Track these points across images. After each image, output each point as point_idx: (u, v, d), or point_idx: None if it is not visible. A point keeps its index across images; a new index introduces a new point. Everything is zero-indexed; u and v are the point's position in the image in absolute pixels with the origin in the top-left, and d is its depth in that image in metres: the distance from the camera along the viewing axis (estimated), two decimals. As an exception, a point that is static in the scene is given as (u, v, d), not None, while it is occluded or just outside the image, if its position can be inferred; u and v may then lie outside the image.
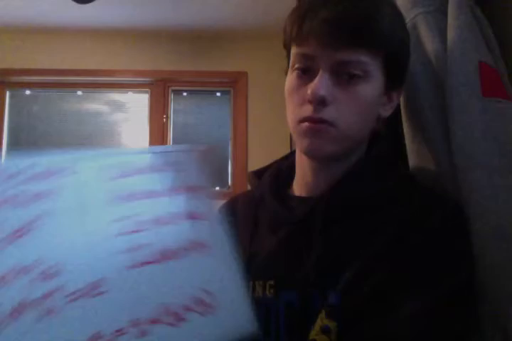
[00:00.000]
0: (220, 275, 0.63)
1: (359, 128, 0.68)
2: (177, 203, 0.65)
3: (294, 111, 0.68)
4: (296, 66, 0.68)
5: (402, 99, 0.79)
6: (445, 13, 0.76)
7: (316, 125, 0.66)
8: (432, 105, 0.74)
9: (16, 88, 3.14)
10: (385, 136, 0.76)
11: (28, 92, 3.17)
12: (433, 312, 0.58)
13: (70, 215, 0.59)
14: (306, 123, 0.66)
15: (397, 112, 0.82)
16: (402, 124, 0.81)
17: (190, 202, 0.65)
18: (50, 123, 3.14)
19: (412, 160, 0.78)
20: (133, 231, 0.61)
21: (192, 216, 0.64)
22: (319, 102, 0.65)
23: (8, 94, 3.13)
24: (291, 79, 0.69)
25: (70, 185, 0.60)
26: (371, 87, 0.66)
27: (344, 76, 0.65)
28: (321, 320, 0.61)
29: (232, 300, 0.62)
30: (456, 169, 0.68)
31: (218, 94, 3.27)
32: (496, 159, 0.64)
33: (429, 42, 0.75)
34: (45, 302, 0.54)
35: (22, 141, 3.12)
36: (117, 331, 0.58)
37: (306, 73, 0.67)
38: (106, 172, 0.63)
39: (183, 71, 3.15)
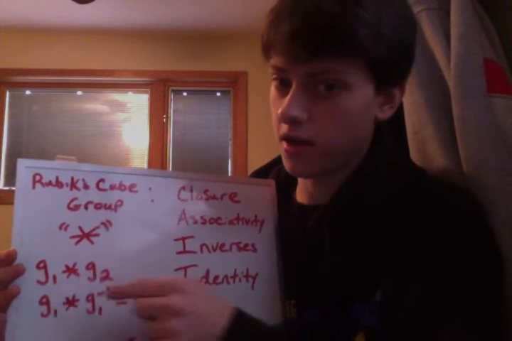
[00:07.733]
0: (261, 309, 0.64)
1: (346, 141, 0.63)
2: (238, 233, 0.68)
3: (275, 126, 0.65)
4: (274, 76, 0.64)
5: (404, 96, 0.79)
6: (448, 12, 0.76)
7: (293, 147, 0.62)
8: (435, 101, 0.73)
9: (16, 88, 3.14)
10: (388, 134, 0.70)
11: (28, 92, 3.16)
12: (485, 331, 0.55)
13: (132, 228, 0.62)
14: (285, 144, 0.63)
15: (399, 109, 0.82)
16: (404, 121, 0.81)
17: (250, 234, 0.69)
18: (50, 123, 3.13)
19: (414, 158, 0.78)
20: (189, 252, 0.64)
21: (246, 247, 0.68)
22: (291, 122, 0.61)
23: (8, 94, 3.12)
24: (271, 89, 0.65)
25: (139, 200, 0.63)
26: (354, 96, 0.60)
27: (321, 87, 0.59)
28: None
29: None
30: (462, 166, 0.67)
31: (218, 94, 3.27)
32: (504, 155, 0.64)
33: (432, 39, 0.75)
34: (96, 300, 0.58)
35: (22, 141, 3.11)
36: None
37: (284, 84, 0.62)
38: (178, 192, 0.66)
39: (183, 71, 3.16)
